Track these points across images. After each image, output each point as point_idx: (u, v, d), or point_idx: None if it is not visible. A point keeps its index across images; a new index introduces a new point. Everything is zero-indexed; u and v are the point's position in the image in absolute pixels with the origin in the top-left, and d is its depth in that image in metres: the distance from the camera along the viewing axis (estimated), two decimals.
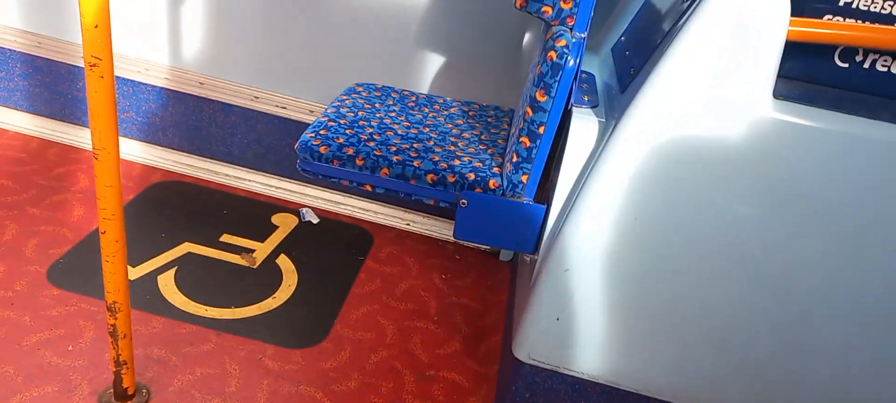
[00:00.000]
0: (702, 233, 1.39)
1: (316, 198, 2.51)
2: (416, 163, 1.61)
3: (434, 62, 2.31)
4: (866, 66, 1.32)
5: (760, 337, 1.46)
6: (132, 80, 2.47)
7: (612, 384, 1.57)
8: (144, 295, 1.94)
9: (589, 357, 1.56)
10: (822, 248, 1.36)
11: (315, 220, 2.43)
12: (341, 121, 1.75)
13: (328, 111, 1.83)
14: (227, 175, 2.54)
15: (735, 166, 1.33)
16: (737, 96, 1.29)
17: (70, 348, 1.71)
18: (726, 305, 1.45)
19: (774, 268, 1.40)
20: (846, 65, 1.33)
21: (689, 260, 1.42)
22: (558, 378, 1.60)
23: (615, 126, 1.38)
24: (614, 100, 1.49)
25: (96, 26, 1.16)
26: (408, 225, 2.49)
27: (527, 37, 2.24)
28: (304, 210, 2.46)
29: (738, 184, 1.34)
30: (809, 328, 1.44)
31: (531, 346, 1.59)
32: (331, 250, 2.30)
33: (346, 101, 1.90)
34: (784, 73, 1.30)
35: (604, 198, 1.41)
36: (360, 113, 1.84)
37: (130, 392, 1.58)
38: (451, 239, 2.46)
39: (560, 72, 1.41)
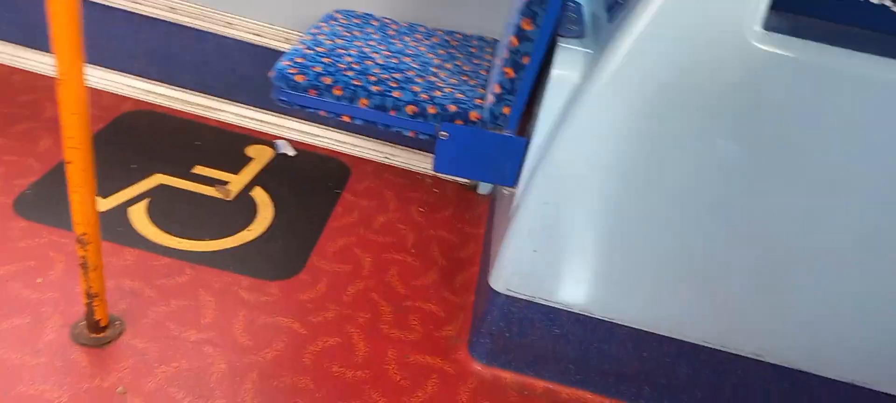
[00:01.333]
0: (683, 169, 1.38)
1: (292, 130, 2.46)
2: (395, 94, 1.56)
3: None
4: None
5: (737, 275, 1.47)
6: (100, 3, 2.36)
7: (588, 313, 1.59)
8: (116, 226, 1.90)
9: (565, 288, 1.57)
10: (803, 187, 1.36)
11: (291, 153, 2.39)
12: (319, 50, 1.69)
13: (305, 39, 1.76)
14: (200, 105, 2.47)
15: (720, 101, 1.30)
16: (727, 28, 1.25)
17: (40, 280, 1.68)
18: (704, 242, 1.46)
19: (754, 206, 1.40)
20: None
21: (670, 196, 1.42)
22: (533, 308, 1.61)
23: (601, 57, 1.35)
24: (601, 31, 1.45)
25: None
26: (387, 158, 2.45)
27: None
28: (279, 142, 2.41)
29: (723, 120, 1.32)
30: (786, 266, 1.45)
31: (508, 277, 1.59)
32: (307, 183, 2.26)
33: (324, 29, 1.84)
34: (776, 5, 1.27)
35: (586, 132, 1.38)
36: (338, 41, 1.77)
37: (103, 324, 1.57)
38: (430, 172, 2.43)
39: (546, 0, 1.36)
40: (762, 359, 1.58)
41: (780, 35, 1.26)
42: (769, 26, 1.26)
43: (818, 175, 1.34)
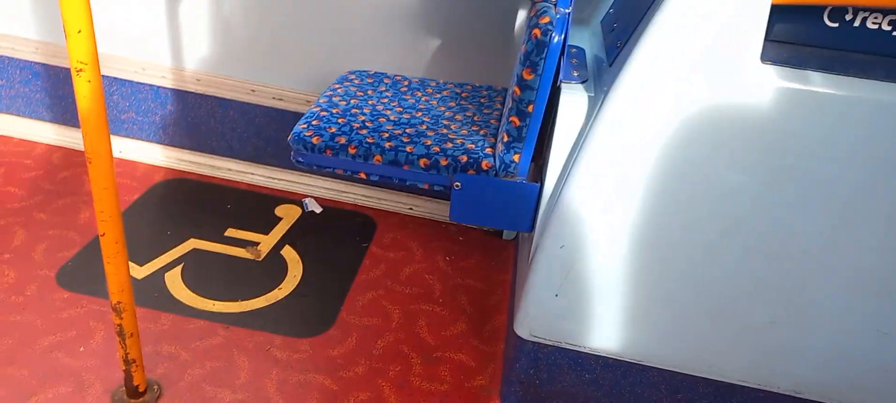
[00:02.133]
0: (694, 203, 1.39)
1: (318, 188, 2.52)
2: (408, 149, 1.61)
3: (428, 45, 2.30)
4: (856, 24, 1.30)
5: (757, 305, 1.46)
6: (130, 81, 2.49)
7: (614, 356, 1.58)
8: (152, 293, 1.97)
9: (589, 331, 1.56)
10: (816, 214, 1.35)
11: (318, 210, 2.45)
12: (333, 111, 1.75)
13: (320, 101, 1.83)
14: (229, 169, 2.56)
15: (725, 135, 1.31)
16: (724, 63, 1.27)
17: (82, 349, 1.74)
18: (721, 274, 1.45)
19: (769, 236, 1.39)
20: (836, 24, 1.31)
21: (682, 231, 1.42)
22: (561, 353, 1.61)
23: (603, 100, 1.38)
24: (603, 74, 1.48)
25: (79, 31, 1.17)
26: (411, 209, 2.49)
27: (520, 14, 2.22)
28: (306, 200, 2.47)
29: (730, 153, 1.33)
30: (805, 294, 1.43)
31: (532, 323, 1.60)
32: (335, 238, 2.31)
33: (339, 90, 1.91)
34: (773, 37, 1.29)
35: (595, 173, 1.40)
36: (352, 101, 1.84)
37: (142, 389, 1.61)
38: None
39: (545, 49, 1.40)
40: (801, 396, 1.54)
41: (778, 66, 1.27)
42: (766, 58, 1.27)
43: (831, 201, 1.33)
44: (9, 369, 1.66)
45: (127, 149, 2.58)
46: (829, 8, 1.29)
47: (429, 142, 1.63)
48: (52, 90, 2.57)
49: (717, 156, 1.33)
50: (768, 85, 1.27)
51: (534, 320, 1.59)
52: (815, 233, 1.37)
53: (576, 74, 1.54)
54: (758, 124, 1.30)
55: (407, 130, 1.69)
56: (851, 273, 1.39)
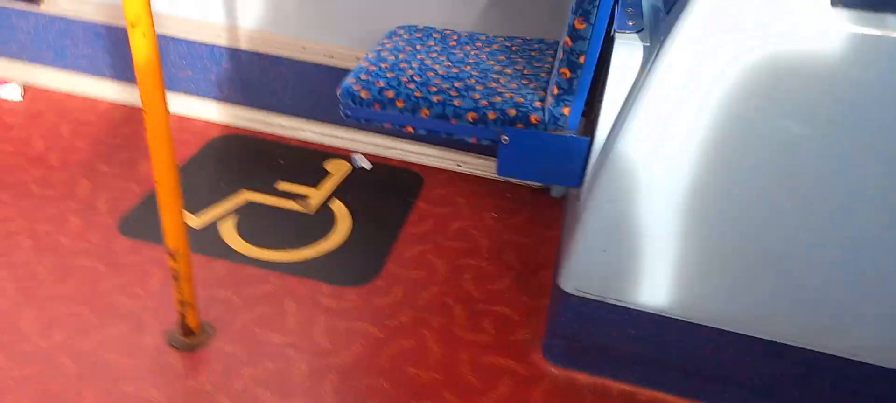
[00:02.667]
0: (754, 157, 1.32)
1: (367, 144, 2.55)
2: (456, 103, 1.59)
3: None
4: None
5: (814, 263, 1.39)
6: (186, 39, 2.55)
7: (660, 312, 1.55)
8: (208, 241, 2.04)
9: (636, 287, 1.53)
10: (884, 169, 1.27)
11: (368, 166, 2.47)
12: (382, 65, 1.75)
13: (369, 56, 1.83)
14: (281, 125, 2.60)
15: (789, 84, 1.24)
16: (791, 9, 1.20)
17: (140, 292, 1.82)
18: (780, 231, 1.39)
19: (832, 192, 1.32)
20: None
21: (741, 186, 1.36)
22: (606, 309, 1.58)
23: (659, 50, 1.32)
24: (660, 23, 1.42)
25: None
26: (459, 166, 2.49)
27: None
28: (355, 156, 2.50)
29: (793, 103, 1.26)
30: (866, 254, 1.36)
31: (577, 278, 1.58)
32: (383, 193, 2.33)
33: (387, 45, 1.90)
34: None
35: (648, 126, 1.36)
36: (400, 55, 1.83)
37: (195, 329, 1.68)
38: (502, 177, 2.44)
39: None
40: (858, 359, 1.47)
41: (847, 10, 1.19)
42: (837, 2, 1.19)
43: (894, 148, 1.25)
44: (73, 307, 1.76)
45: (184, 106, 2.66)
46: None
47: (477, 96, 1.61)
48: (112, 49, 2.66)
49: (778, 106, 1.27)
50: (838, 30, 1.19)
51: (579, 275, 1.57)
52: (880, 189, 1.29)
53: (631, 23, 1.48)
54: (825, 72, 1.22)
55: (455, 84, 1.67)
56: None
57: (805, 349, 1.50)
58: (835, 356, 1.48)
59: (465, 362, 1.70)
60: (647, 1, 1.62)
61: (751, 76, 1.25)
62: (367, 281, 1.94)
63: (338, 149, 2.55)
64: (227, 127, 2.63)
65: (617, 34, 1.43)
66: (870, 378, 1.49)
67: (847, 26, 1.19)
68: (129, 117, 2.63)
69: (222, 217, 2.15)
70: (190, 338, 1.68)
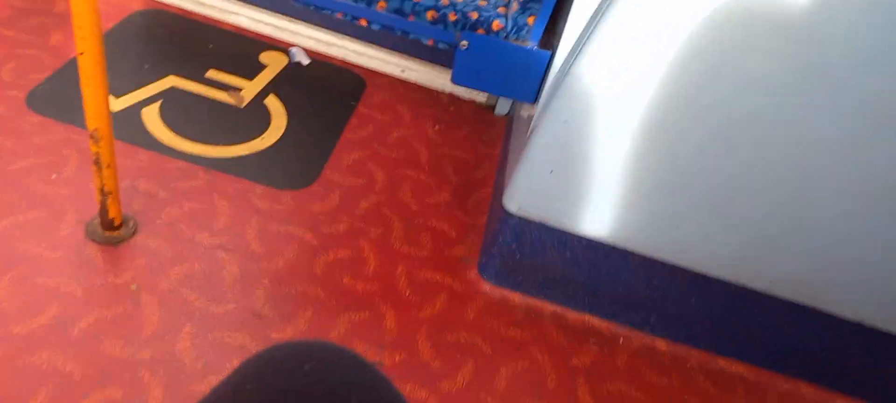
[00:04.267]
0: (711, 92, 1.33)
1: (307, 38, 2.40)
2: None
3: None
4: None
5: (756, 201, 1.44)
6: None
7: (601, 239, 1.58)
8: (129, 127, 1.89)
9: (579, 212, 1.55)
10: (833, 120, 1.31)
11: (306, 61, 2.34)
12: None
13: None
14: (214, 7, 2.40)
15: (758, 22, 1.24)
16: None
17: (54, 176, 1.68)
18: (726, 168, 1.42)
19: (783, 132, 1.35)
20: None
21: (695, 120, 1.38)
22: (546, 231, 1.60)
23: None
24: None
25: None
26: (402, 71, 2.40)
27: None
28: (293, 49, 2.35)
29: (757, 42, 1.26)
30: (807, 197, 1.42)
31: (522, 198, 1.58)
32: (322, 93, 2.22)
33: None
34: None
35: (612, 48, 1.33)
36: None
37: (117, 222, 1.57)
38: (447, 89, 2.38)
39: None
40: (774, 294, 1.57)
41: None
42: None
43: (856, 104, 1.29)
44: None
45: None
46: None
47: None
48: None
49: (744, 44, 1.27)
50: None
51: (524, 195, 1.57)
52: (831, 135, 1.34)
53: None
54: (794, 10, 1.22)
55: None
56: (861, 182, 1.38)
57: (726, 282, 1.58)
58: (756, 290, 1.57)
59: (401, 275, 1.69)
60: None
61: (721, 10, 1.24)
62: (304, 185, 1.87)
63: (275, 39, 2.39)
64: (151, 1, 2.40)
65: None
66: (781, 312, 1.60)
67: None
68: None
69: (145, 101, 1.99)
70: (111, 232, 1.57)
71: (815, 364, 1.67)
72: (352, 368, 0.46)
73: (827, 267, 1.51)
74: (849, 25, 1.21)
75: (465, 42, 1.49)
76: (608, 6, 1.31)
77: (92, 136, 1.40)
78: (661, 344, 1.71)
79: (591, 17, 1.36)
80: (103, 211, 1.54)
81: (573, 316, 1.72)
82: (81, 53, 1.27)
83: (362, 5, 1.50)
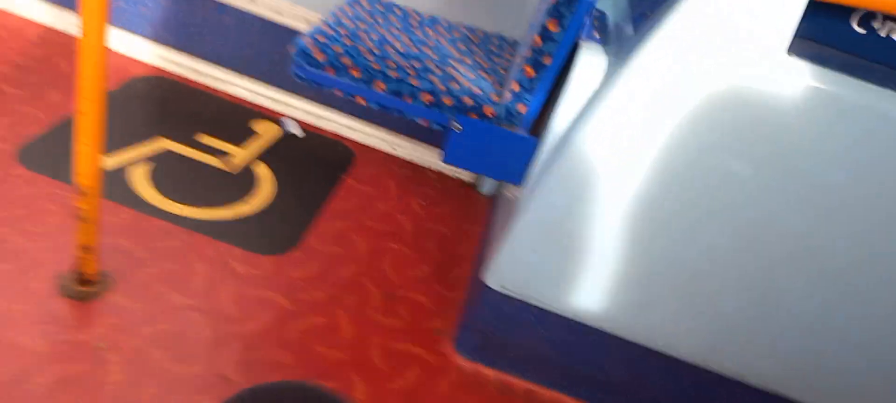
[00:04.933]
0: (692, 184, 1.37)
1: (300, 110, 2.46)
2: (413, 82, 1.56)
3: None
4: (883, 34, 1.28)
5: (731, 293, 1.46)
6: None
7: (577, 318, 1.57)
8: (116, 186, 1.90)
9: (559, 292, 1.55)
10: (812, 218, 1.35)
11: (300, 133, 2.39)
12: (341, 31, 1.69)
13: (328, 19, 1.76)
14: (212, 76, 2.47)
15: (740, 122, 1.29)
16: (752, 48, 1.24)
17: (34, 230, 1.68)
18: (704, 257, 1.44)
19: (758, 230, 1.39)
20: (864, 31, 1.28)
21: (674, 210, 1.41)
22: (525, 309, 1.60)
23: (623, 65, 1.34)
24: (624, 41, 1.43)
25: None
26: (393, 147, 2.45)
27: None
28: (287, 120, 2.41)
29: (740, 141, 1.31)
30: (781, 290, 1.44)
31: (503, 275, 1.58)
32: (310, 163, 2.26)
33: (348, 12, 1.84)
34: (799, 33, 1.25)
35: (600, 137, 1.37)
36: (360, 25, 1.77)
37: (93, 278, 1.56)
38: (434, 166, 2.43)
39: (576, 3, 1.36)
40: (747, 382, 1.55)
41: (803, 61, 1.24)
42: (793, 52, 1.24)
43: (824, 201, 1.32)
44: None
45: (110, 37, 2.47)
46: (860, 13, 1.26)
47: (434, 79, 1.58)
48: None
49: (726, 141, 1.31)
50: (792, 78, 1.24)
51: (505, 272, 1.57)
52: (806, 236, 1.37)
53: (597, 35, 1.50)
54: (773, 117, 1.27)
55: (414, 63, 1.63)
56: (834, 281, 1.40)
57: (705, 369, 1.57)
58: (730, 378, 1.55)
59: (375, 345, 1.67)
60: (613, 19, 1.65)
61: (706, 106, 1.29)
62: (284, 251, 1.88)
63: (268, 110, 2.45)
64: (151, 67, 2.47)
65: (583, 43, 1.44)
66: (752, 400, 1.58)
67: (800, 76, 1.24)
68: (45, 39, 2.42)
69: (135, 162, 2.02)
70: (85, 287, 1.56)
71: None
72: None
73: (800, 358, 1.50)
74: (824, 132, 1.26)
75: (458, 125, 1.54)
76: (599, 97, 1.36)
77: (81, 191, 1.41)
78: None
79: (582, 107, 1.40)
80: (81, 266, 1.53)
81: (548, 394, 1.68)
82: (82, 113, 1.31)
83: (362, 85, 1.56)
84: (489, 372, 1.69)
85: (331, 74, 1.57)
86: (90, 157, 1.38)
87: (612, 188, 1.41)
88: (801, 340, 1.47)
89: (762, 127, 1.29)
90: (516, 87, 1.50)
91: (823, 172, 1.30)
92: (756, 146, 1.30)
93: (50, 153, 1.93)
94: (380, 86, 1.55)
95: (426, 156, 2.43)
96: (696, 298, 1.49)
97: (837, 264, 1.39)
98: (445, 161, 1.61)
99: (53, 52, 2.37)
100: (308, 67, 1.59)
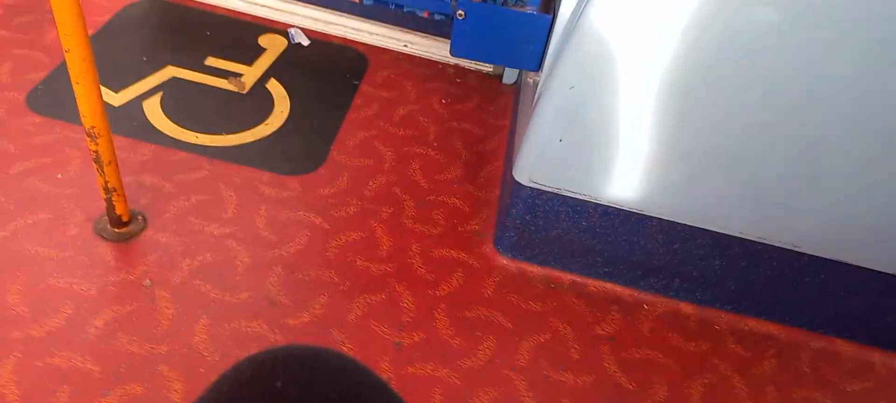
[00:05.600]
0: (719, 47, 1.28)
1: (305, 18, 2.35)
2: None
3: None
4: None
5: (770, 158, 1.39)
6: None
7: (615, 205, 1.54)
8: (131, 121, 1.86)
9: (592, 179, 1.51)
10: (847, 67, 1.25)
11: (305, 42, 2.29)
12: None
13: None
14: None
15: None
16: None
17: (59, 176, 1.66)
18: (739, 124, 1.37)
19: (794, 85, 1.30)
20: None
21: (702, 76, 1.32)
22: (559, 200, 1.56)
23: None
24: None
25: None
26: (405, 46, 2.34)
27: None
28: (292, 30, 2.30)
29: None
30: (822, 149, 1.37)
31: (532, 169, 1.53)
32: (324, 74, 2.18)
33: None
34: None
35: (615, 8, 1.27)
36: None
37: (125, 219, 1.55)
38: (451, 61, 2.33)
39: None
40: (798, 250, 1.53)
41: None
42: None
43: (871, 55, 1.23)
44: None
45: None
46: None
47: None
48: None
49: None
50: None
51: (534, 165, 1.52)
52: (841, 88, 1.28)
53: None
54: None
55: None
56: (876, 134, 1.32)
57: (748, 240, 1.54)
58: (780, 247, 1.53)
59: (415, 254, 1.66)
60: None
61: None
62: (311, 169, 1.84)
63: (272, 22, 2.34)
64: None
65: None
66: (809, 268, 1.56)
67: None
68: None
69: (146, 94, 1.96)
70: (121, 229, 1.55)
71: (849, 319, 1.63)
72: (334, 379, 0.42)
73: (851, 219, 1.46)
74: None
75: (461, 11, 1.43)
76: None
77: (89, 134, 1.37)
78: (687, 309, 1.67)
79: None
80: (110, 208, 1.51)
81: (594, 284, 1.68)
82: (68, 50, 1.23)
83: None
84: (533, 269, 1.68)
85: None
86: (90, 96, 1.31)
87: (633, 63, 1.32)
88: (853, 199, 1.42)
89: None
90: None
91: (861, 19, 1.20)
92: None
93: (58, 95, 1.87)
94: None
95: (441, 51, 2.33)
96: (738, 168, 1.44)
97: (884, 109, 1.30)
98: (453, 53, 1.52)
99: None
100: None
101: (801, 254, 1.53)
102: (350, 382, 0.43)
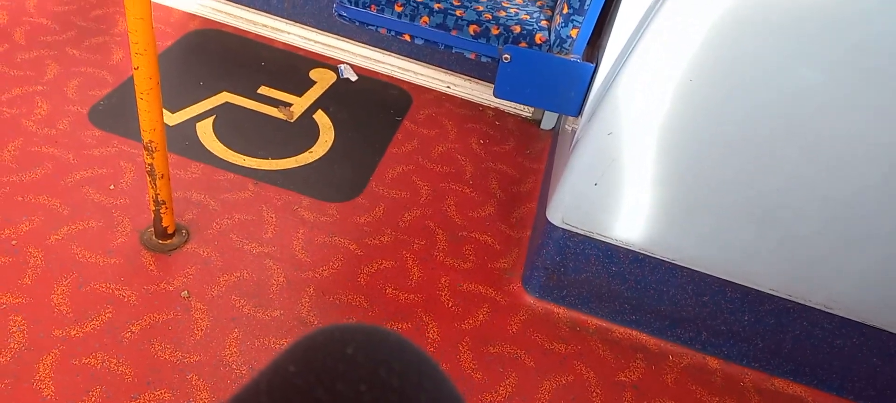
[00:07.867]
0: (758, 100, 1.30)
1: (355, 55, 2.45)
2: (458, 13, 1.52)
3: None
4: None
5: (806, 215, 1.39)
6: None
7: (647, 252, 1.55)
8: (183, 141, 1.95)
9: (625, 225, 1.52)
10: (889, 123, 1.26)
11: (354, 77, 2.38)
12: None
13: None
14: (266, 26, 2.48)
15: (806, 27, 1.21)
16: None
17: (112, 187, 1.75)
18: (776, 177, 1.38)
19: (833, 141, 1.31)
20: None
21: (742, 129, 1.34)
22: (590, 244, 1.58)
23: None
24: None
25: None
26: (448, 87, 2.42)
27: None
28: (342, 66, 2.40)
29: (807, 47, 1.23)
30: (860, 209, 1.36)
31: (566, 210, 1.56)
32: (369, 108, 2.26)
33: None
34: None
35: (656, 59, 1.31)
36: None
37: (170, 231, 1.62)
38: (492, 104, 2.39)
39: None
40: (831, 311, 1.51)
41: None
42: None
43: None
44: (41, 198, 1.68)
45: None
46: None
47: (480, 8, 1.53)
48: None
49: (792, 49, 1.23)
50: None
51: (568, 207, 1.55)
52: (883, 145, 1.28)
53: None
54: (840, 15, 1.18)
55: None
56: None
57: (779, 297, 1.53)
58: (812, 307, 1.51)
59: (444, 287, 1.69)
60: None
61: (766, 13, 1.21)
62: (349, 197, 1.90)
63: (324, 57, 2.45)
64: (206, 20, 2.49)
65: None
66: (840, 330, 1.53)
67: None
68: (102, 0, 2.46)
69: (200, 116, 2.06)
70: (165, 240, 1.62)
71: (881, 387, 1.59)
72: (396, 351, 0.46)
73: (887, 283, 1.43)
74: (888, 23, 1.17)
75: (507, 55, 1.49)
76: (651, 18, 1.29)
77: (146, 148, 1.45)
78: (713, 363, 1.65)
79: (635, 29, 1.34)
80: (157, 220, 1.59)
81: (620, 331, 1.68)
82: (136, 68, 1.33)
83: (406, 21, 1.52)
84: (559, 310, 1.69)
85: (373, 12, 1.55)
86: (152, 111, 1.40)
87: (672, 113, 1.35)
88: (888, 262, 1.41)
89: (833, 32, 1.20)
90: (566, 10, 1.43)
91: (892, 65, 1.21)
92: (826, 51, 1.22)
93: (118, 111, 1.99)
94: (424, 21, 1.52)
95: (483, 94, 2.40)
96: (771, 224, 1.44)
97: None
98: (496, 94, 1.57)
99: (111, 11, 2.41)
100: (350, 6, 1.56)
101: (833, 316, 1.51)
102: (411, 355, 0.47)
